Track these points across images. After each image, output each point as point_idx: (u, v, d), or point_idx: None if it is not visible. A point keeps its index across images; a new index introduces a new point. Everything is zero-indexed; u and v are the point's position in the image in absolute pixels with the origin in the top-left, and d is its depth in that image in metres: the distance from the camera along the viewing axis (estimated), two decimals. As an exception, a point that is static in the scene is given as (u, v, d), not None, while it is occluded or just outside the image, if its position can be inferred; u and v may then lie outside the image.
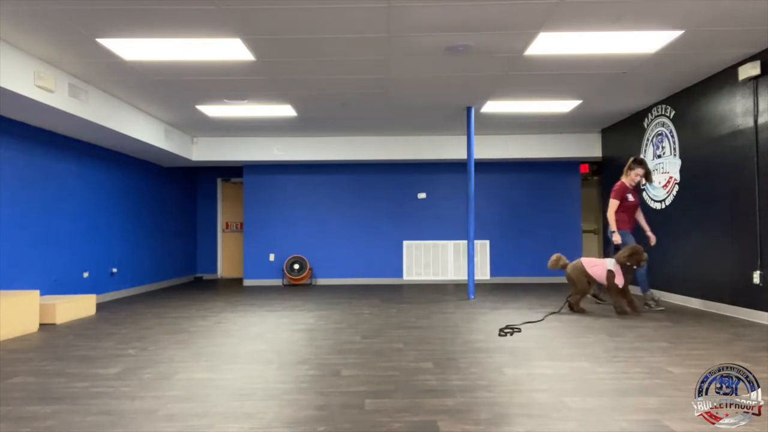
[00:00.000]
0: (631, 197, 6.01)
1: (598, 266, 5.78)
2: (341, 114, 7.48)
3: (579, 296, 5.85)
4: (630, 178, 6.04)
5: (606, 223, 6.47)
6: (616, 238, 5.94)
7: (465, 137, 7.85)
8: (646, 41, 4.80)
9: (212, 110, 7.15)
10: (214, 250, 10.77)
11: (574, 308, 5.85)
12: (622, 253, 5.57)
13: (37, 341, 4.53)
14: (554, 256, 6.19)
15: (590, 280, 5.84)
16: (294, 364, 3.61)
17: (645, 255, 5.55)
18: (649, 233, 6.14)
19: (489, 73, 5.72)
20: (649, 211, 7.22)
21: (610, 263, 5.68)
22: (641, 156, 7.40)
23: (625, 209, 6.04)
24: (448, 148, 8.99)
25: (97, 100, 6.00)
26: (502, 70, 5.58)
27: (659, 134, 7.00)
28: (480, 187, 8.96)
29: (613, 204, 6.01)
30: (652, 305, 5.90)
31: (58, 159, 6.44)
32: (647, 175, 6.03)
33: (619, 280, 5.57)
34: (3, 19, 4.15)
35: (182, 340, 4.43)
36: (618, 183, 6.11)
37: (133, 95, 6.41)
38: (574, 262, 5.99)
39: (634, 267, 5.57)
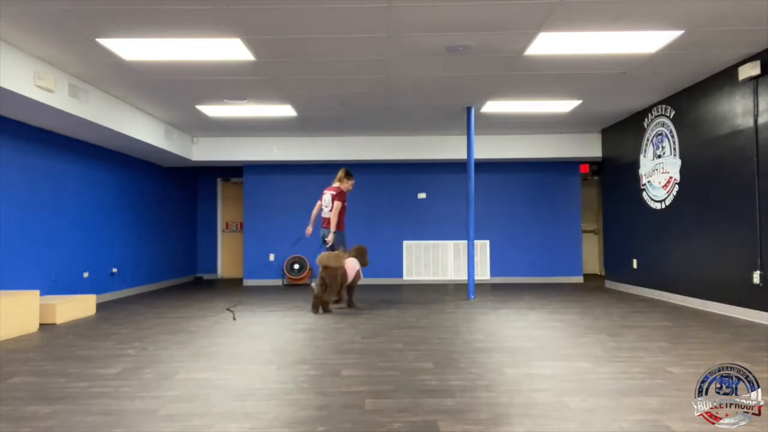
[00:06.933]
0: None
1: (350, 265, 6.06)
2: (341, 114, 7.48)
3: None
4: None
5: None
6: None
7: (465, 137, 7.85)
8: (646, 41, 4.80)
9: (212, 110, 7.15)
10: (214, 250, 10.76)
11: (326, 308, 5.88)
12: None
13: (37, 341, 4.53)
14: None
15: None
16: (294, 364, 3.61)
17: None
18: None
19: (489, 73, 5.71)
20: (649, 211, 7.23)
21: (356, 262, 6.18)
22: (641, 156, 7.41)
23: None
24: (448, 148, 8.98)
25: (97, 100, 5.99)
26: (502, 70, 5.58)
27: (659, 134, 7.00)
28: (480, 187, 8.95)
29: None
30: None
31: (58, 159, 6.44)
32: None
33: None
34: (3, 19, 4.15)
35: (182, 340, 4.43)
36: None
37: (133, 95, 6.41)
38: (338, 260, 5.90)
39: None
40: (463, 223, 8.42)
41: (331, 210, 6.41)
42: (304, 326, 5.08)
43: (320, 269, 5.84)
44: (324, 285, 5.84)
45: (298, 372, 3.39)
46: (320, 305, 5.84)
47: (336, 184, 6.57)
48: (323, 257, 5.81)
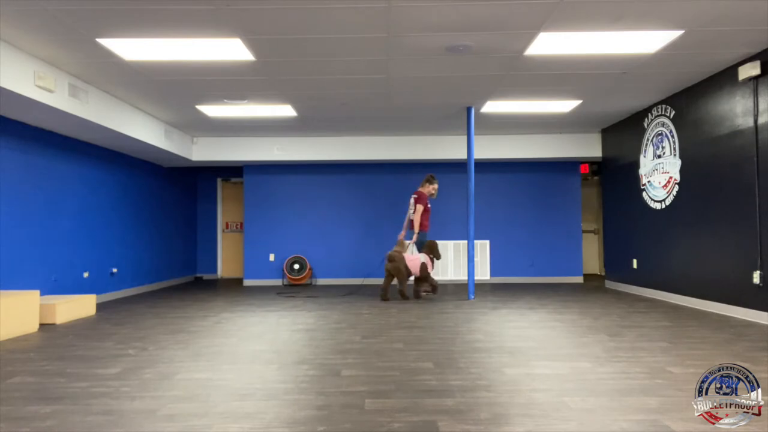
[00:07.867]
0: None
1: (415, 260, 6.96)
2: (341, 114, 7.48)
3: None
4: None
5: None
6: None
7: (465, 137, 7.85)
8: (646, 41, 4.80)
9: (212, 110, 7.15)
10: (214, 250, 10.76)
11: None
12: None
13: (37, 341, 4.53)
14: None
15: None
16: (294, 364, 3.61)
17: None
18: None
19: (489, 73, 5.71)
20: (649, 211, 7.23)
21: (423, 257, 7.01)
22: (641, 156, 7.42)
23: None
24: (448, 148, 8.98)
25: (97, 100, 5.99)
26: (502, 70, 5.58)
27: (659, 134, 7.00)
28: (480, 187, 8.96)
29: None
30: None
31: (58, 159, 6.44)
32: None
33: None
34: (3, 19, 4.15)
35: (182, 340, 4.43)
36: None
37: (133, 95, 6.41)
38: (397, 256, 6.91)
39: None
40: (463, 223, 8.44)
41: (413, 212, 7.19)
42: (304, 326, 5.08)
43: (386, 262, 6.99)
44: (390, 276, 6.92)
45: (298, 372, 3.39)
46: (388, 293, 6.98)
47: (420, 189, 7.35)
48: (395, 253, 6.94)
